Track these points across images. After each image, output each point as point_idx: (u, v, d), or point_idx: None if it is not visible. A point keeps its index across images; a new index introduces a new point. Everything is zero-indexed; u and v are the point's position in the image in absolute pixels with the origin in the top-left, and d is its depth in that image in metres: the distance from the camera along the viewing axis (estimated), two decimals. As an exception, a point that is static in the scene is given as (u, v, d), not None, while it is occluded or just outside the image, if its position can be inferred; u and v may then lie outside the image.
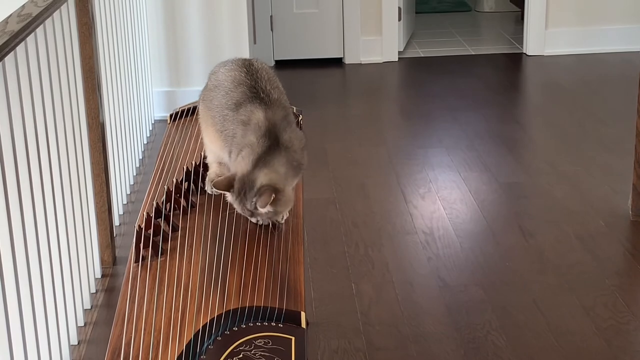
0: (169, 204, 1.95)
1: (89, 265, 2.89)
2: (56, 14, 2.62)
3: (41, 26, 2.41)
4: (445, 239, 3.26)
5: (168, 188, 1.99)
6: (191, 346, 1.48)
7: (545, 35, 5.87)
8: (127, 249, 2.57)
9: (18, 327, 2.08)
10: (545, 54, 5.89)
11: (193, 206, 1.96)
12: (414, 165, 4.00)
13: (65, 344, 2.50)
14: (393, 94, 5.49)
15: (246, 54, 4.60)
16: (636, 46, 5.68)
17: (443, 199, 3.62)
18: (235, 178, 1.79)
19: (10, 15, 2.22)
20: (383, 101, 5.27)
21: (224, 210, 1.91)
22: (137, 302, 1.62)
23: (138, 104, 4.18)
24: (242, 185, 1.78)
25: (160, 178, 2.12)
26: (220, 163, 2.00)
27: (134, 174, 3.92)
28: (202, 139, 2.08)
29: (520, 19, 6.63)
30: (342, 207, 3.57)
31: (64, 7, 2.72)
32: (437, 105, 4.93)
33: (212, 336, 1.50)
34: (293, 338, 1.49)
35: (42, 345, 2.27)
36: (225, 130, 1.89)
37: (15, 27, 2.09)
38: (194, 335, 1.50)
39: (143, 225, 1.85)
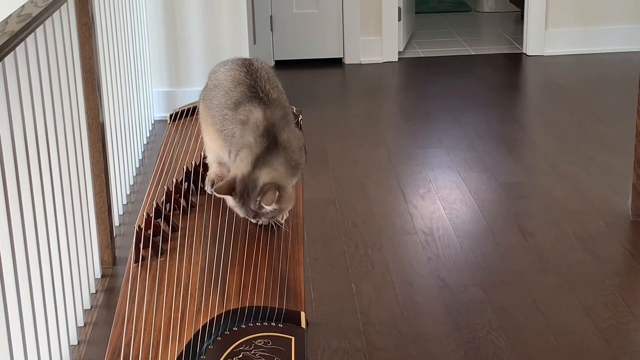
0: (168, 204, 1.95)
1: (89, 265, 2.89)
2: (56, 14, 2.62)
3: (41, 26, 2.41)
4: (445, 239, 3.26)
5: (168, 188, 1.99)
6: (191, 346, 1.48)
7: (545, 35, 5.87)
8: (127, 249, 2.57)
9: (18, 328, 2.08)
10: (545, 54, 5.89)
11: (193, 206, 1.96)
12: (413, 166, 4.00)
13: (65, 344, 2.50)
14: (393, 94, 5.49)
15: (246, 54, 4.60)
16: (636, 46, 5.67)
17: (443, 199, 3.62)
18: (236, 181, 1.79)
19: (10, 15, 2.22)
20: (383, 101, 5.27)
21: (224, 210, 1.91)
22: (137, 302, 1.62)
23: (138, 104, 4.18)
24: (244, 187, 1.78)
25: (160, 178, 2.12)
26: (220, 163, 2.00)
27: (134, 174, 3.92)
28: (202, 138, 2.08)
29: (520, 19, 6.63)
30: (342, 207, 3.57)
31: (63, 8, 2.72)
32: (437, 105, 4.94)
33: (212, 336, 1.50)
34: (293, 338, 1.49)
35: (42, 345, 2.27)
36: (225, 130, 1.89)
37: (15, 27, 2.09)
38: (193, 335, 1.50)
39: (143, 226, 1.85)
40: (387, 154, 4.17)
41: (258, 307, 1.57)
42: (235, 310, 1.56)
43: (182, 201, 1.96)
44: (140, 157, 4.14)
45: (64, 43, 2.69)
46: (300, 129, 2.28)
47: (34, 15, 2.24)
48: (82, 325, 2.73)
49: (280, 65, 5.81)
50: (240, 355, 1.44)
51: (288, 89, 2.03)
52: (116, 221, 3.35)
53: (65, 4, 2.73)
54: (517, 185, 3.78)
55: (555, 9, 5.85)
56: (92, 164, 3.02)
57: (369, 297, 2.87)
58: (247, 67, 1.93)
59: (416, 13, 6.83)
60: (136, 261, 1.75)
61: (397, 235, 3.31)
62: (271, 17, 5.77)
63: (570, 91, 5.19)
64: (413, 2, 6.54)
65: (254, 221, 1.84)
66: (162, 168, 2.18)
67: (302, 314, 1.57)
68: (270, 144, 1.79)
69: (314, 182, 3.79)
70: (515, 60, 5.90)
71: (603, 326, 2.67)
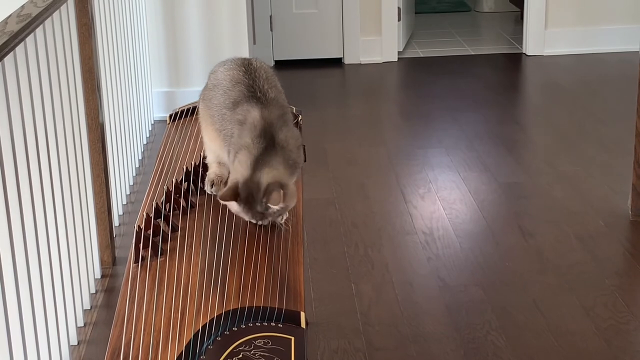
0: (168, 204, 1.95)
1: (89, 265, 2.89)
2: (56, 15, 2.62)
3: (41, 27, 2.41)
4: (445, 239, 3.26)
5: (167, 188, 1.99)
6: (191, 346, 1.48)
7: (545, 35, 5.87)
8: (127, 249, 2.57)
9: (18, 328, 2.08)
10: (544, 54, 5.89)
11: (192, 206, 1.96)
12: (413, 166, 4.00)
13: (65, 345, 2.50)
14: (393, 94, 5.49)
15: (246, 55, 4.59)
16: (635, 46, 5.67)
17: (443, 199, 3.62)
18: (239, 186, 1.78)
19: (10, 15, 2.22)
20: (383, 101, 5.27)
21: (224, 210, 1.91)
22: (137, 303, 1.62)
23: (138, 104, 4.18)
24: (248, 190, 1.78)
25: (159, 178, 2.12)
26: (219, 163, 2.00)
27: (134, 175, 3.92)
28: (201, 138, 2.08)
29: (519, 19, 6.63)
30: (342, 207, 3.57)
31: (63, 8, 2.72)
32: (437, 106, 4.94)
33: (212, 336, 1.50)
34: (293, 338, 1.49)
35: (42, 345, 2.27)
36: (224, 130, 1.90)
37: (14, 27, 2.09)
38: (193, 336, 1.50)
39: (143, 226, 1.85)
40: (387, 154, 4.17)
41: (258, 307, 1.57)
42: (235, 311, 1.56)
43: (182, 201, 1.96)
44: (140, 157, 4.14)
45: (63, 43, 2.69)
46: (300, 129, 2.28)
47: (33, 15, 2.24)
48: (82, 325, 2.73)
49: (280, 65, 5.81)
50: (240, 356, 1.44)
51: (288, 89, 2.03)
52: (116, 221, 3.35)
53: (65, 4, 2.73)
54: (517, 185, 3.78)
55: (555, 9, 5.85)
56: (92, 164, 3.02)
57: (368, 297, 2.87)
58: (246, 67, 1.94)
59: (416, 13, 6.83)
60: (136, 261, 1.75)
61: (397, 236, 3.31)
62: (271, 17, 5.77)
63: (569, 91, 5.19)
64: (413, 2, 6.54)
65: (259, 223, 1.83)
66: (161, 168, 2.18)
67: (302, 314, 1.57)
68: (268, 144, 1.79)
69: (314, 182, 3.79)
70: (514, 60, 5.90)
71: (603, 326, 2.67)
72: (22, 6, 2.32)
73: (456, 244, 3.22)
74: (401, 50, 6.00)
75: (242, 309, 1.56)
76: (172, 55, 4.72)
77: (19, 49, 2.19)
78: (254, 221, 1.82)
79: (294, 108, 2.42)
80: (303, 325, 1.55)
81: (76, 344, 2.64)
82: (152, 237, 1.81)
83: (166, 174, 2.14)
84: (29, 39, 2.29)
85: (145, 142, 4.33)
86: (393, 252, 3.18)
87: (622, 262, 3.10)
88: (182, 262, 1.73)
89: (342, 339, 2.63)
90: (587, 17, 5.89)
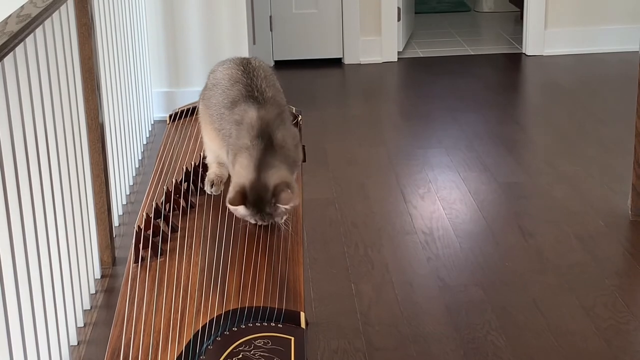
0: (168, 204, 1.95)
1: (89, 266, 2.89)
2: (55, 15, 2.62)
3: (40, 27, 2.41)
4: (445, 239, 3.26)
5: (167, 188, 1.99)
6: (191, 347, 1.48)
7: (545, 36, 5.87)
8: (127, 249, 2.57)
9: (17, 328, 2.08)
10: (544, 54, 5.89)
11: (192, 207, 1.96)
12: (413, 166, 4.00)
13: (64, 345, 2.50)
14: (392, 95, 5.49)
15: (245, 55, 4.58)
16: (635, 46, 5.67)
17: (442, 199, 3.62)
18: (246, 190, 1.78)
19: (10, 16, 2.22)
20: (382, 101, 5.27)
21: (224, 210, 1.91)
22: (137, 303, 1.62)
23: (137, 104, 4.18)
24: (256, 193, 1.77)
25: (159, 178, 2.12)
26: (219, 163, 2.00)
27: (134, 175, 3.92)
28: (201, 138, 2.08)
29: (519, 19, 6.63)
30: (342, 207, 3.57)
31: (63, 8, 2.72)
32: (437, 106, 4.94)
33: (212, 336, 1.50)
34: (292, 338, 1.49)
35: (42, 346, 2.27)
36: (223, 130, 1.90)
37: (14, 27, 2.09)
38: (193, 336, 1.50)
39: (142, 226, 1.84)
40: (386, 154, 4.17)
41: (258, 308, 1.57)
42: (234, 311, 1.56)
43: (182, 201, 1.96)
44: (140, 158, 4.14)
45: (63, 43, 2.69)
46: (300, 129, 2.28)
47: (33, 15, 2.24)
48: (82, 325, 2.73)
49: (280, 65, 5.81)
50: (240, 356, 1.44)
51: (288, 89, 2.03)
52: (116, 221, 3.35)
53: (65, 4, 2.73)
54: (517, 185, 3.78)
55: (555, 9, 5.85)
56: (92, 164, 3.02)
57: (368, 297, 2.87)
58: (245, 66, 1.94)
59: (415, 13, 6.83)
60: (136, 261, 1.75)
61: (396, 236, 3.31)
62: (271, 17, 5.77)
63: (569, 91, 5.19)
64: (412, 2, 6.54)
65: (264, 223, 1.83)
66: (161, 168, 2.18)
67: (302, 314, 1.57)
68: (266, 145, 1.79)
69: (314, 182, 3.79)
70: (514, 60, 5.90)
71: (603, 326, 2.67)
72: (22, 6, 2.32)
73: (456, 244, 3.22)
74: (401, 50, 6.00)
75: (242, 309, 1.56)
76: (172, 55, 4.72)
77: (19, 49, 2.19)
78: (259, 223, 1.82)
79: (294, 108, 2.42)
80: (303, 325, 1.55)
81: (76, 344, 2.64)
82: (152, 237, 1.81)
83: (166, 174, 2.14)
84: (29, 40, 2.29)
85: (145, 142, 4.33)
86: (393, 252, 3.18)
87: (622, 262, 3.10)
88: (182, 263, 1.73)
89: (342, 339, 2.63)
90: (586, 17, 5.89)
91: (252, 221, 1.81)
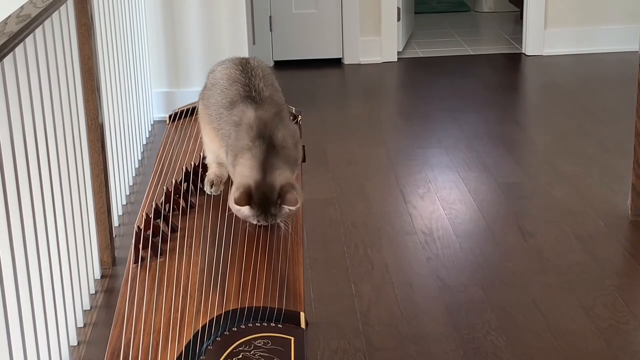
0: (168, 204, 1.95)
1: (89, 266, 2.89)
2: (55, 15, 2.62)
3: (40, 27, 2.41)
4: (445, 239, 3.26)
5: (167, 189, 1.99)
6: (190, 347, 1.48)
7: (544, 35, 5.87)
8: (127, 249, 2.57)
9: (17, 329, 2.08)
10: (544, 54, 5.89)
11: (192, 207, 1.96)
12: (413, 166, 4.00)
13: (64, 345, 2.50)
14: (392, 95, 5.49)
15: (245, 55, 4.58)
16: (635, 46, 5.67)
17: (442, 199, 3.62)
18: (251, 190, 1.78)
19: (9, 16, 2.22)
20: (382, 101, 5.27)
21: (224, 210, 1.91)
22: (137, 303, 1.62)
23: (137, 104, 4.18)
24: (262, 194, 1.77)
25: (159, 179, 2.12)
26: (219, 163, 2.00)
27: (133, 175, 3.92)
28: (201, 138, 2.08)
29: (519, 19, 6.63)
30: (342, 207, 3.57)
31: (63, 8, 2.72)
32: (436, 106, 4.94)
33: (212, 337, 1.50)
34: (292, 338, 1.49)
35: (42, 346, 2.27)
36: (222, 130, 1.90)
37: (14, 28, 2.09)
38: (193, 336, 1.50)
39: (142, 226, 1.85)
40: (386, 154, 4.17)
41: (257, 308, 1.57)
42: (234, 311, 1.56)
43: (182, 202, 1.96)
44: (140, 158, 4.14)
45: (63, 44, 2.69)
46: (300, 129, 2.28)
47: (33, 15, 2.24)
48: (82, 325, 2.73)
49: (280, 65, 5.81)
50: (240, 356, 1.44)
51: (287, 89, 2.03)
52: (115, 222, 3.35)
53: (65, 4, 2.73)
54: (517, 185, 3.78)
55: (554, 9, 5.85)
56: (92, 164, 3.02)
57: (368, 297, 2.87)
58: (243, 66, 1.94)
59: (415, 13, 6.83)
60: (136, 262, 1.75)
61: (396, 236, 3.31)
62: (270, 17, 5.77)
63: (569, 91, 5.19)
64: (412, 2, 6.54)
65: (266, 223, 1.83)
66: (161, 168, 2.18)
67: (302, 314, 1.57)
68: (268, 146, 1.79)
69: (314, 182, 3.79)
70: (514, 60, 5.90)
71: (603, 326, 2.67)
72: (22, 7, 2.32)
73: (456, 244, 3.22)
74: (401, 50, 6.00)
75: (242, 309, 1.56)
76: (171, 55, 4.72)
77: (19, 49, 2.19)
78: (262, 223, 1.82)
79: (294, 108, 2.42)
80: (303, 325, 1.55)
81: (76, 344, 2.64)
82: (152, 237, 1.81)
83: (166, 174, 2.14)
84: (29, 40, 2.29)
85: (144, 143, 4.33)
86: (393, 252, 3.18)
87: (622, 262, 3.10)
88: (181, 263, 1.74)
89: (341, 339, 2.63)
90: (586, 17, 5.89)
91: (255, 222, 1.81)
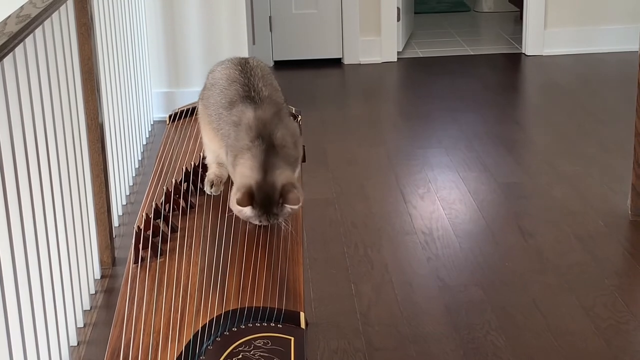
0: (168, 204, 1.95)
1: (88, 266, 2.89)
2: (55, 15, 2.62)
3: (40, 27, 2.41)
4: (445, 239, 3.26)
5: (167, 189, 1.99)
6: (190, 347, 1.48)
7: (544, 35, 5.88)
8: (127, 249, 2.57)
9: (17, 329, 2.08)
10: (544, 54, 5.89)
11: (192, 207, 1.96)
12: (413, 166, 4.00)
13: (64, 345, 2.50)
14: (392, 95, 5.49)
15: (245, 55, 4.58)
16: (635, 46, 5.67)
17: (442, 199, 3.62)
18: (253, 190, 1.78)
19: (9, 16, 2.22)
20: (382, 101, 5.27)
21: (224, 210, 1.91)
22: (137, 303, 1.62)
23: (137, 104, 4.18)
24: (264, 194, 1.77)
25: (159, 179, 2.12)
26: (219, 163, 2.00)
27: (133, 175, 3.92)
28: (201, 138, 2.08)
29: (519, 19, 6.63)
30: (342, 207, 3.57)
31: (62, 8, 2.72)
32: (436, 106, 4.94)
33: (212, 337, 1.50)
34: (292, 338, 1.49)
35: (42, 346, 2.27)
36: (222, 130, 1.90)
37: (14, 28, 2.09)
38: (193, 336, 1.50)
39: (142, 226, 1.85)
40: (386, 154, 4.17)
41: (257, 308, 1.57)
42: (234, 311, 1.56)
43: (182, 202, 1.96)
44: (140, 158, 4.14)
45: (63, 44, 2.69)
46: (300, 129, 2.28)
47: (33, 16, 2.24)
48: (82, 326, 2.73)
49: (280, 65, 5.81)
50: (240, 356, 1.44)
51: (287, 89, 2.03)
52: (115, 222, 3.35)
53: (64, 4, 2.73)
54: (517, 185, 3.78)
55: (554, 9, 5.85)
56: (92, 164, 3.02)
57: (368, 297, 2.87)
58: (243, 66, 1.94)
59: (415, 13, 6.83)
60: (136, 262, 1.75)
61: (396, 236, 3.31)
62: (270, 17, 5.77)
63: (569, 91, 5.19)
64: (412, 2, 6.54)
65: (267, 223, 1.82)
66: (161, 168, 2.18)
67: (302, 315, 1.57)
68: (267, 145, 1.79)
69: (314, 182, 3.79)
70: (514, 60, 5.90)
71: (602, 326, 2.67)
72: (22, 7, 2.32)
73: (456, 244, 3.22)
74: (400, 50, 6.00)
75: (242, 309, 1.56)
76: (171, 55, 4.72)
77: (19, 49, 2.19)
78: (264, 224, 1.81)
79: (294, 108, 2.42)
80: (303, 325, 1.55)
81: (76, 344, 2.64)
82: (152, 237, 1.81)
83: (166, 174, 2.14)
84: (29, 40, 2.30)
85: (144, 143, 4.33)
86: (393, 252, 3.18)
87: (622, 262, 3.10)
88: (181, 263, 1.74)
89: (341, 339, 2.63)
90: (586, 17, 5.89)
91: (257, 222, 1.81)
